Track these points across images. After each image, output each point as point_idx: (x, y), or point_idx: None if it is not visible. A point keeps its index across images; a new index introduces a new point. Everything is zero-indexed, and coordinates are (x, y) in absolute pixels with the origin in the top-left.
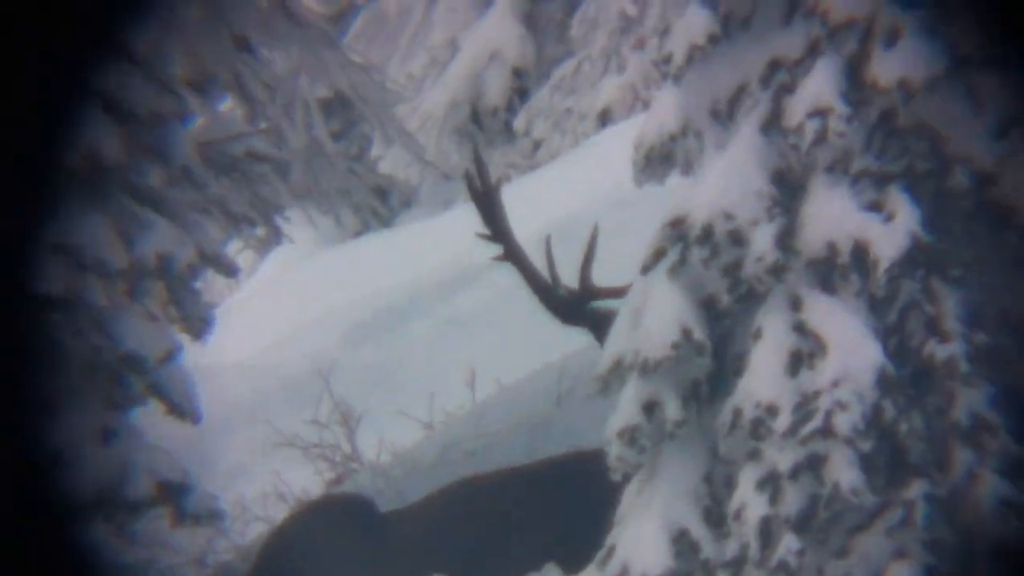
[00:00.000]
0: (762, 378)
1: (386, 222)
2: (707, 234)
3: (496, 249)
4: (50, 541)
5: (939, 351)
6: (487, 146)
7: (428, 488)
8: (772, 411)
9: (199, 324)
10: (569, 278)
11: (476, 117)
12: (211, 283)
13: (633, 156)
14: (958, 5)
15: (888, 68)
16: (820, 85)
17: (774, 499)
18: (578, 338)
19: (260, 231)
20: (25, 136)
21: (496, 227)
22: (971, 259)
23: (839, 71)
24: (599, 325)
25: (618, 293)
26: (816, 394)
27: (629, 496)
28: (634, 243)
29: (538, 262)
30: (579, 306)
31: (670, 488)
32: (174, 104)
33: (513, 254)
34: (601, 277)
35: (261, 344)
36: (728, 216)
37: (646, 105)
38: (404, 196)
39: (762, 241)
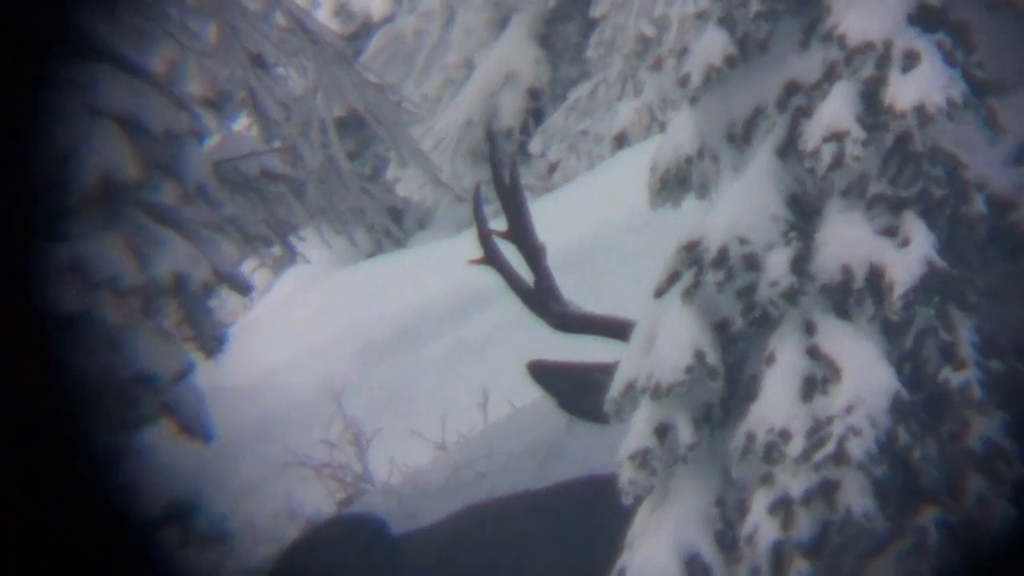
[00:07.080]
0: (775, 403)
1: (400, 243)
2: (722, 258)
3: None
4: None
5: (954, 378)
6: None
7: (439, 509)
8: (785, 436)
9: (212, 343)
10: (585, 303)
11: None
12: (224, 302)
13: (648, 179)
14: (977, 30)
15: (905, 92)
16: (837, 109)
17: (786, 524)
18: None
19: (275, 250)
20: (40, 155)
21: (480, 228)
22: (986, 286)
23: (856, 95)
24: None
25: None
26: (829, 419)
27: (640, 519)
28: (648, 267)
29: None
30: (568, 323)
31: (682, 511)
32: (189, 122)
33: (491, 258)
34: (616, 302)
35: (273, 364)
36: (743, 240)
37: (662, 128)
38: (418, 217)
39: (777, 265)
